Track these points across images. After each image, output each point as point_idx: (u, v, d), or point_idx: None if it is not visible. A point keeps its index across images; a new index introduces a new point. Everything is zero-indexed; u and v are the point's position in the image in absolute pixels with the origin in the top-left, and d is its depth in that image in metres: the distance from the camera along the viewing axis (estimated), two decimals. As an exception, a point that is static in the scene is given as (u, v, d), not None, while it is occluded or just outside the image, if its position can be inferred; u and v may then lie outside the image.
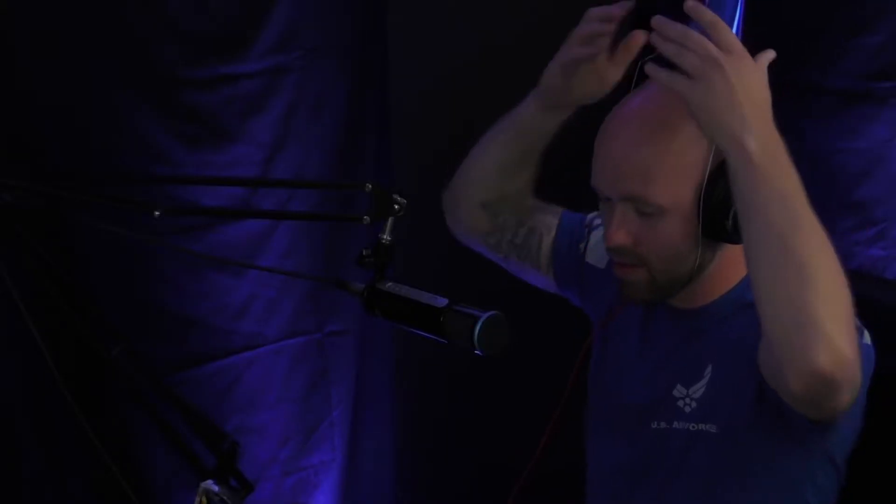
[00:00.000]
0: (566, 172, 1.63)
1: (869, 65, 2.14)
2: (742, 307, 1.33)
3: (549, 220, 1.58)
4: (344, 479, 2.38)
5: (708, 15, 1.19)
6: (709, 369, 1.33)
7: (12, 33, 1.81)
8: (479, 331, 1.24)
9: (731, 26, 1.21)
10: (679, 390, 1.35)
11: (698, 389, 1.34)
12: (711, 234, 1.29)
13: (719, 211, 1.27)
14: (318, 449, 2.33)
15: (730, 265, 1.35)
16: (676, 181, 1.28)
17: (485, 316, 1.24)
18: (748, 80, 1.21)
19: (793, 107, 2.23)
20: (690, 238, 1.29)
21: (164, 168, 1.98)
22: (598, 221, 1.53)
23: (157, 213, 1.32)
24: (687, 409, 1.34)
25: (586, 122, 1.45)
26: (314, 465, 2.33)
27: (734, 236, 1.27)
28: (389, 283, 1.35)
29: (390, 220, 1.34)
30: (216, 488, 1.40)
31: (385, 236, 1.35)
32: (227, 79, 2.01)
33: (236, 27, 2.01)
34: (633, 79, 1.34)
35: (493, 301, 1.25)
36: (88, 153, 1.92)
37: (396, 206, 1.33)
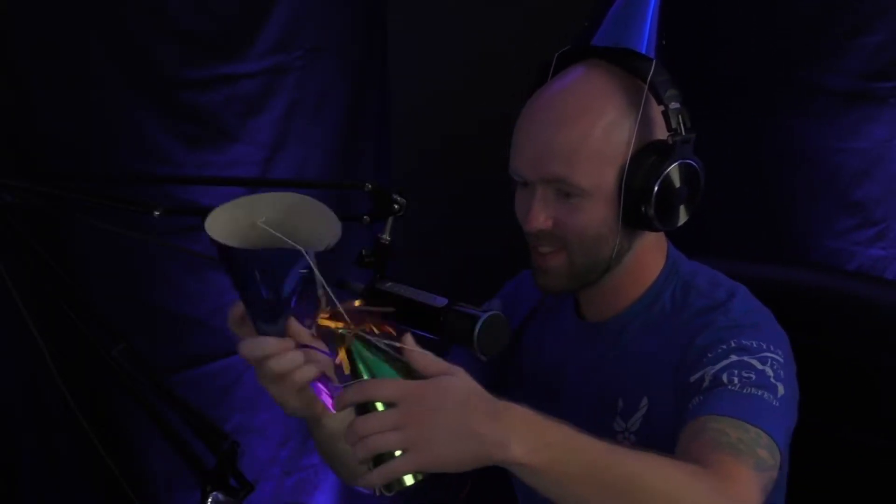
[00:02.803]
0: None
1: (869, 65, 2.14)
2: (659, 314, 1.34)
3: None
4: (344, 479, 2.38)
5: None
6: (644, 401, 1.31)
7: (12, 33, 1.81)
8: (479, 331, 1.24)
9: (645, 31, 1.26)
10: (618, 423, 1.33)
11: (635, 422, 1.32)
12: (631, 220, 1.29)
13: (639, 198, 1.27)
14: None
15: (645, 258, 1.36)
16: (599, 164, 1.27)
17: (485, 316, 1.24)
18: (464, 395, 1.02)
19: (793, 107, 2.23)
20: (610, 222, 1.29)
21: (164, 168, 1.98)
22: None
23: (157, 213, 1.32)
24: (627, 445, 1.28)
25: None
26: (314, 465, 2.33)
27: (653, 223, 1.28)
28: (389, 283, 1.35)
29: (390, 219, 1.34)
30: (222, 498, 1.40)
31: (385, 236, 1.35)
32: (227, 79, 2.01)
33: (236, 27, 2.01)
34: (552, 67, 1.36)
35: (492, 301, 1.26)
36: (88, 153, 1.92)
37: (396, 206, 1.33)
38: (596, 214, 1.29)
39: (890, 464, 1.49)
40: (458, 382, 1.03)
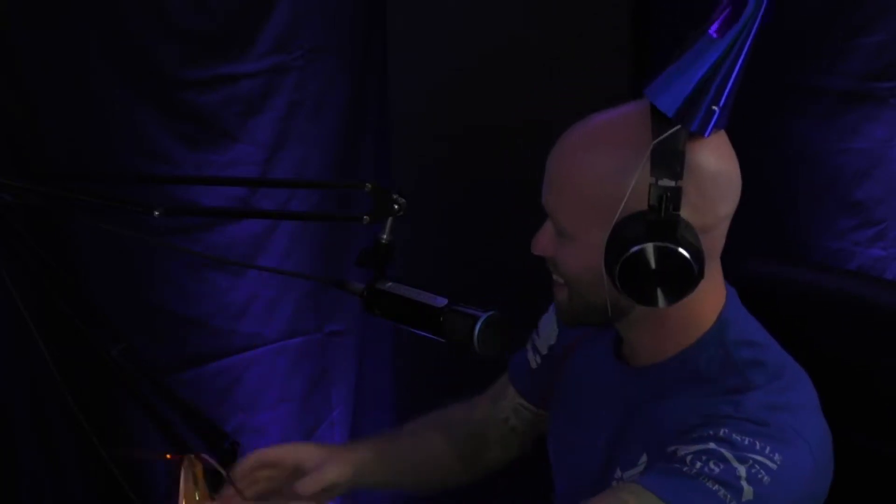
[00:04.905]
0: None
1: (869, 65, 2.14)
2: (689, 379, 1.24)
3: (505, 404, 1.59)
4: (344, 479, 2.38)
5: None
6: (643, 458, 1.25)
7: (12, 33, 1.81)
8: (479, 331, 1.24)
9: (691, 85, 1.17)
10: (617, 473, 1.28)
11: (632, 477, 1.24)
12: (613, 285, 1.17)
13: (610, 269, 1.15)
14: (318, 449, 2.33)
15: (677, 316, 1.24)
16: (583, 211, 1.20)
17: (485, 316, 1.24)
18: None
19: (793, 107, 2.23)
20: (598, 274, 1.18)
21: (164, 168, 1.98)
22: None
23: (157, 213, 1.32)
24: None
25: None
26: (314, 465, 2.33)
27: (634, 300, 1.16)
28: (389, 283, 1.35)
29: (390, 219, 1.34)
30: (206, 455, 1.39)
31: (385, 236, 1.35)
32: (227, 79, 2.01)
33: (236, 27, 2.01)
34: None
35: (493, 301, 1.25)
36: (88, 153, 1.92)
37: (396, 206, 1.33)
38: (581, 261, 1.22)
39: (889, 465, 1.48)
40: None
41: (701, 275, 1.14)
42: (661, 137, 1.12)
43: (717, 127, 1.15)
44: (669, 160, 1.12)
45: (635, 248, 1.12)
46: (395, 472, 1.57)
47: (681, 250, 1.12)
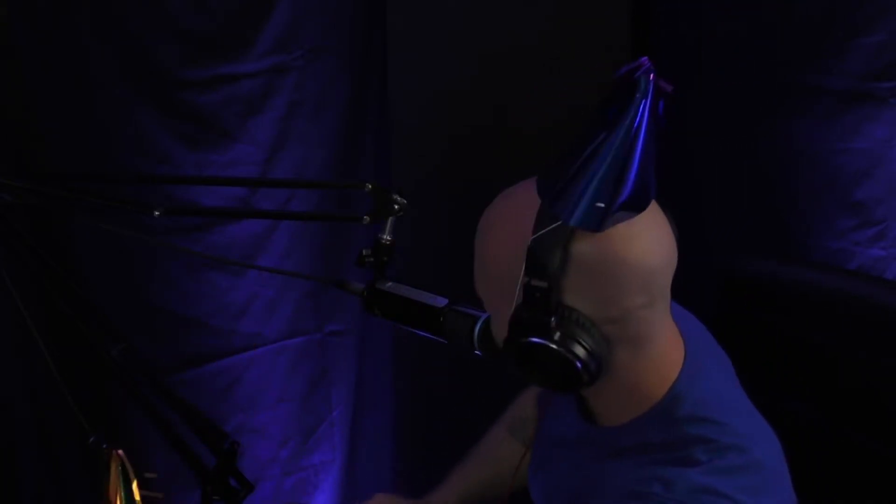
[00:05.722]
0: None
1: (869, 65, 2.14)
2: (631, 448, 1.23)
3: None
4: (344, 479, 2.39)
5: None
6: None
7: (12, 33, 1.81)
8: (479, 331, 1.24)
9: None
10: None
11: None
12: None
13: (514, 357, 1.15)
14: (318, 449, 2.33)
15: (619, 393, 1.22)
16: (492, 288, 1.20)
17: (485, 316, 1.24)
18: None
19: (793, 107, 2.23)
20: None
21: (164, 168, 1.98)
22: None
23: (157, 213, 1.32)
24: None
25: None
26: (314, 465, 2.33)
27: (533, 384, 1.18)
28: (389, 283, 1.35)
29: (390, 220, 1.34)
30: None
31: (385, 236, 1.35)
32: (227, 79, 2.01)
33: (236, 27, 2.01)
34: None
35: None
36: (88, 153, 1.92)
37: (396, 206, 1.33)
38: (497, 329, 1.21)
39: (888, 464, 1.49)
40: None
41: (592, 368, 1.13)
42: (538, 234, 1.10)
43: (612, 222, 1.09)
44: (545, 258, 1.10)
45: (516, 343, 1.13)
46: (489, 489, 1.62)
47: (555, 347, 1.11)
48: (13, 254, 1.39)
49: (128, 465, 1.42)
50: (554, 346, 1.11)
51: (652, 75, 1.07)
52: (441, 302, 1.31)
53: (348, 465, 2.39)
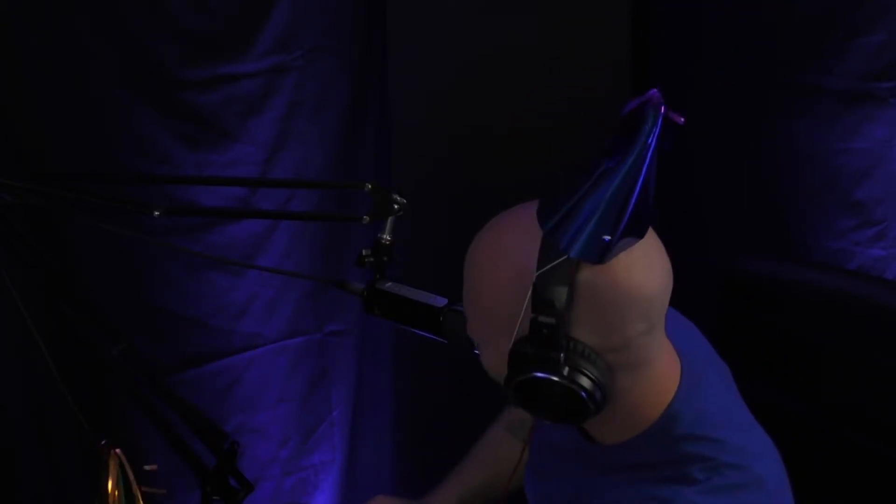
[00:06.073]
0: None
1: (869, 65, 2.14)
2: (627, 466, 1.23)
3: None
4: (344, 479, 2.39)
5: None
6: None
7: (12, 33, 1.81)
8: (479, 331, 1.24)
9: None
10: None
11: None
12: None
13: (513, 392, 1.14)
14: (318, 449, 2.33)
15: (615, 415, 1.20)
16: (487, 323, 1.18)
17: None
18: None
19: (793, 107, 2.23)
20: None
21: (164, 168, 1.98)
22: None
23: (156, 213, 1.32)
24: None
25: (584, 124, 1.45)
26: (314, 465, 2.33)
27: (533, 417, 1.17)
28: (389, 283, 1.35)
29: (390, 219, 1.35)
30: None
31: (385, 236, 1.35)
32: (227, 79, 2.01)
33: (236, 27, 2.01)
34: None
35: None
36: (88, 153, 1.92)
37: (396, 206, 1.34)
38: (493, 364, 1.20)
39: (887, 464, 1.48)
40: None
41: (597, 398, 1.12)
42: (544, 269, 1.08)
43: (615, 252, 1.09)
44: (552, 294, 1.08)
45: (520, 378, 1.12)
46: (488, 490, 1.62)
47: (562, 382, 1.11)
48: (13, 254, 1.39)
49: (126, 464, 1.42)
50: (563, 382, 1.11)
51: (662, 108, 1.06)
52: (441, 302, 1.31)
53: (348, 465, 2.39)
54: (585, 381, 1.11)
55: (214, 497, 1.50)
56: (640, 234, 1.09)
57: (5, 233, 1.38)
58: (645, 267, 1.13)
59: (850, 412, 1.53)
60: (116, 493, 1.41)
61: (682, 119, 1.06)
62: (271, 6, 2.03)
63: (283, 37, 2.05)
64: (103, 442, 1.43)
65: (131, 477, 1.42)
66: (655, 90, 1.07)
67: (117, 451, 1.41)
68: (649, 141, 1.06)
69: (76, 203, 1.46)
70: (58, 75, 1.86)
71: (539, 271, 1.08)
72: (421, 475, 1.70)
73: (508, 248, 1.14)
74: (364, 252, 1.37)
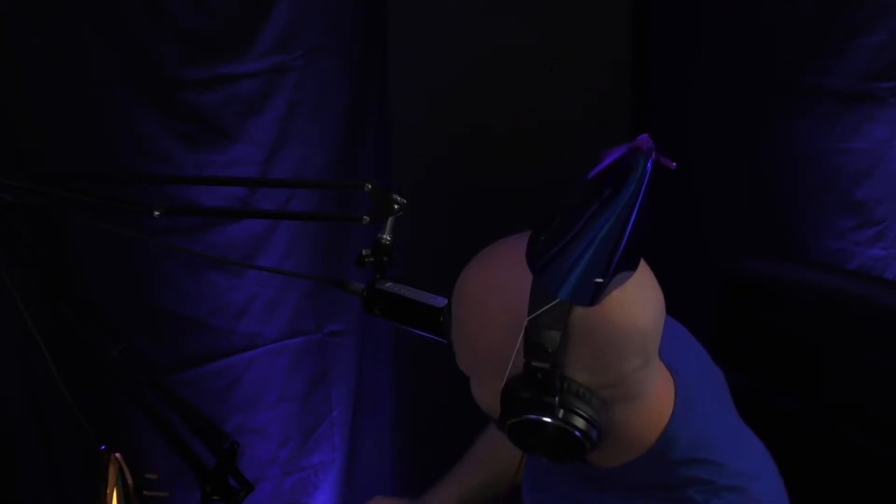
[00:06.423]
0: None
1: (869, 65, 2.14)
2: (625, 487, 1.22)
3: None
4: (344, 479, 2.39)
5: None
6: None
7: (12, 33, 1.81)
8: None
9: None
10: None
11: None
12: None
13: (507, 432, 1.13)
14: (318, 449, 2.33)
15: (610, 443, 1.18)
16: (478, 363, 1.17)
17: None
18: None
19: (793, 108, 2.23)
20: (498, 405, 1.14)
21: (164, 168, 1.98)
22: None
23: (156, 213, 1.32)
24: None
25: (584, 124, 1.45)
26: (314, 465, 2.33)
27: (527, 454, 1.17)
28: (389, 283, 1.35)
29: (390, 219, 1.35)
30: None
31: (385, 236, 1.35)
32: (227, 79, 2.01)
33: (236, 27, 2.01)
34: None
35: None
36: (88, 153, 1.92)
37: (396, 206, 1.33)
38: (485, 399, 1.18)
39: (886, 463, 1.48)
40: None
41: (593, 437, 1.11)
42: (536, 315, 1.06)
43: (608, 292, 1.06)
44: (545, 338, 1.06)
45: (513, 421, 1.11)
46: (487, 489, 1.62)
47: (558, 424, 1.09)
48: (13, 254, 1.39)
49: (125, 468, 1.42)
50: (558, 424, 1.09)
51: (653, 156, 1.03)
52: (441, 302, 1.31)
53: (348, 465, 2.39)
54: (580, 422, 1.10)
55: (214, 497, 1.50)
56: (634, 267, 1.07)
57: (5, 233, 1.38)
58: (639, 301, 1.11)
59: (850, 412, 1.53)
60: (115, 499, 1.41)
61: (674, 164, 1.03)
62: (271, 6, 2.03)
63: (283, 37, 2.05)
64: (102, 448, 1.43)
65: (130, 483, 1.42)
66: (646, 136, 1.04)
67: (117, 455, 1.41)
68: (640, 189, 1.04)
69: (76, 203, 1.46)
70: (58, 75, 1.86)
71: (531, 316, 1.06)
72: (421, 475, 1.71)
73: (500, 287, 1.12)
74: (364, 252, 1.37)
